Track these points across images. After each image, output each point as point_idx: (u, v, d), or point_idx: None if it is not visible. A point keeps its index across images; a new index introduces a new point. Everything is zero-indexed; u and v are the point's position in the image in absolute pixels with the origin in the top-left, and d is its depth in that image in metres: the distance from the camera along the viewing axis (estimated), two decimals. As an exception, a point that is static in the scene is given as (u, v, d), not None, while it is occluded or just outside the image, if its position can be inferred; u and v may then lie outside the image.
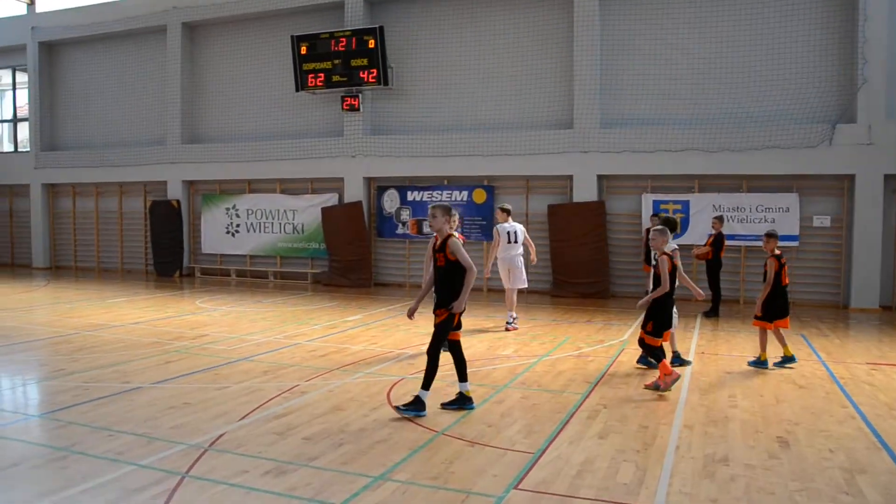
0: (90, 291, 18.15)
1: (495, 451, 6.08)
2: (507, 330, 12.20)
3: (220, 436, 6.47)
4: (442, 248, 7.23)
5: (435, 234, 7.44)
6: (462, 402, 7.31)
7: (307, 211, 20.17)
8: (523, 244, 12.48)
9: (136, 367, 9.34)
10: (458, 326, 7.36)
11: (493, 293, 17.00)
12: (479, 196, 18.18)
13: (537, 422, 6.96)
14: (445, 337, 7.21)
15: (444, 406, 7.32)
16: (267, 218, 20.82)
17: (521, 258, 12.44)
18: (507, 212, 12.51)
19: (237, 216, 21.28)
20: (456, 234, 9.79)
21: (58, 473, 5.71)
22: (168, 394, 8.01)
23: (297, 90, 19.68)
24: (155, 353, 10.23)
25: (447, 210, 7.41)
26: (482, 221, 18.11)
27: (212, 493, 5.22)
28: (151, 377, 8.76)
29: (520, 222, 13.09)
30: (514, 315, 12.38)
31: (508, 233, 12.34)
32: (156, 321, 13.24)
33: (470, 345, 10.78)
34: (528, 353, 10.34)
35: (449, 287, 7.17)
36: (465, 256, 7.22)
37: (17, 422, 7.28)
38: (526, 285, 12.67)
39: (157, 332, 12.05)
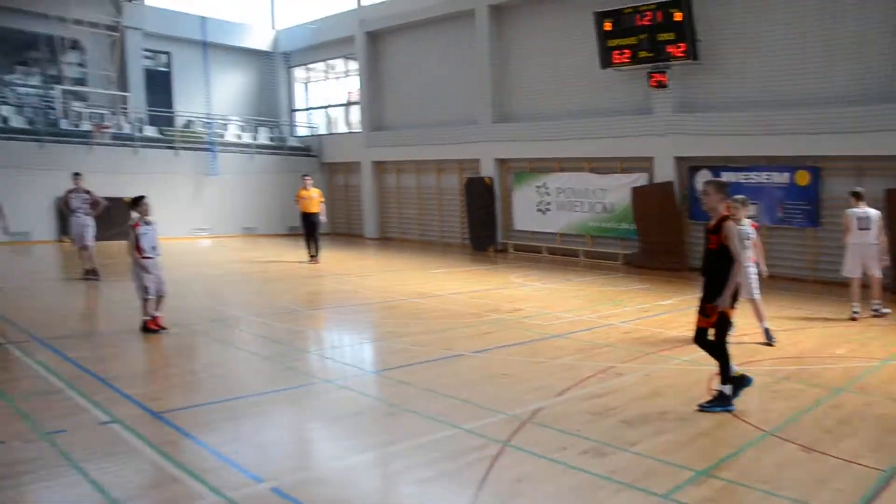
0: (413, 262, 19.63)
1: (835, 462, 5.48)
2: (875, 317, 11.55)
3: (539, 409, 6.59)
4: (716, 230, 6.59)
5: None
6: (721, 402, 6.67)
7: (617, 190, 19.89)
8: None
9: (457, 336, 9.87)
10: None
11: (819, 284, 15.45)
12: (802, 178, 16.55)
13: (886, 435, 6.16)
14: (727, 332, 6.64)
15: (703, 407, 6.69)
16: (577, 197, 20.88)
17: (876, 246, 11.49)
18: (858, 195, 11.66)
19: (547, 194, 21.62)
20: (746, 222, 9.25)
21: (394, 426, 6.22)
22: (487, 363, 8.35)
23: (601, 67, 19.35)
24: (473, 324, 10.74)
25: (721, 187, 6.76)
26: (806, 206, 16.47)
27: (532, 466, 5.33)
28: (471, 346, 9.19)
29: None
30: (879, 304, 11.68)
31: (859, 218, 11.45)
32: (473, 293, 13.91)
33: (797, 340, 9.91)
34: (866, 354, 9.23)
35: (718, 275, 6.55)
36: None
37: (357, 375, 8.08)
38: (880, 275, 11.66)
39: (474, 303, 12.65)
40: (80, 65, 26.21)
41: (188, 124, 28.50)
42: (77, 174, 15.68)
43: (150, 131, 26.41)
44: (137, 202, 10.07)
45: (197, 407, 6.85)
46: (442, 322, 10.86)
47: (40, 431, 5.95)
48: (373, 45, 27.11)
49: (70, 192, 15.35)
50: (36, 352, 8.76)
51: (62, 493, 4.93)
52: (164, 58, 29.75)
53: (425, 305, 12.34)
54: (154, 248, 9.98)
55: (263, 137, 29.78)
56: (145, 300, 9.92)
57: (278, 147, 29.54)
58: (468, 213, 23.41)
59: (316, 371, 8.36)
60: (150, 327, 9.83)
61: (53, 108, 23.96)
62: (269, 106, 31.75)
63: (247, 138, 28.97)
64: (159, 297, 10.04)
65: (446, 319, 11.06)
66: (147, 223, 10.02)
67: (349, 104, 30.06)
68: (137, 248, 9.85)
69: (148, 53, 28.79)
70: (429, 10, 24.32)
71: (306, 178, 19.53)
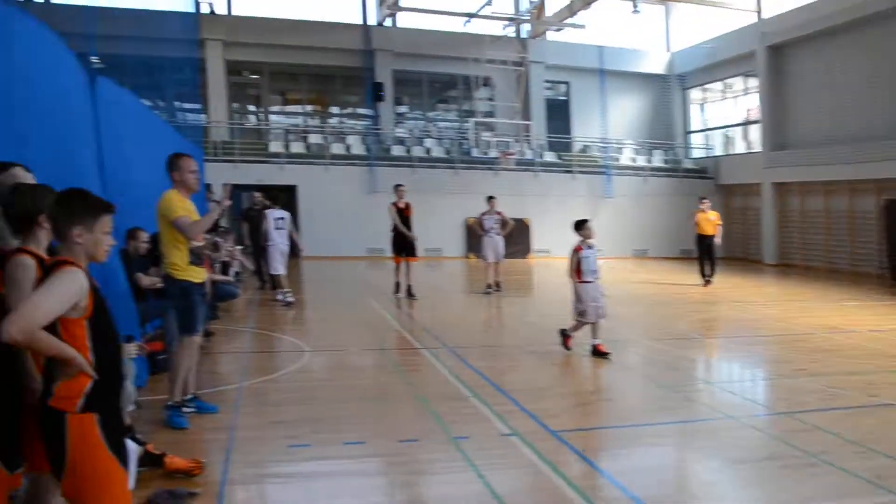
0: (820, 291, 17.81)
1: None
2: None
3: None
4: None
5: None
6: None
7: None
8: None
9: (883, 381, 8.58)
10: None
11: None
12: None
13: None
14: None
15: None
16: None
17: None
18: None
19: None
20: None
21: (811, 480, 5.51)
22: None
23: None
24: (902, 368, 9.30)
25: None
26: None
27: None
28: (903, 395, 7.91)
29: None
30: None
31: None
32: (897, 331, 12.11)
33: None
34: None
35: None
36: None
37: (762, 415, 7.41)
38: None
39: (900, 343, 10.97)
40: (490, 99, 28.60)
41: (584, 149, 29.46)
42: (491, 197, 16.98)
43: (549, 156, 27.93)
44: (581, 225, 9.95)
45: (593, 430, 6.84)
46: (861, 363, 9.54)
47: (448, 434, 6.36)
48: (774, 58, 25.29)
49: (484, 213, 16.70)
50: (446, 358, 9.51)
51: (465, 496, 5.13)
52: (563, 87, 31.23)
53: (839, 342, 10.99)
54: (594, 271, 9.74)
55: (658, 160, 29.60)
56: (579, 321, 9.77)
57: (673, 169, 29.09)
58: (888, 239, 20.60)
59: (716, 405, 7.82)
60: (567, 345, 9.81)
61: (466, 139, 26.52)
62: (664, 128, 31.41)
63: (641, 161, 29.05)
64: (594, 323, 9.70)
65: (866, 360, 9.71)
66: (589, 247, 9.82)
67: (747, 123, 28.52)
68: (578, 271, 9.71)
69: (548, 84, 30.48)
70: (840, 13, 21.87)
71: (704, 200, 18.89)
